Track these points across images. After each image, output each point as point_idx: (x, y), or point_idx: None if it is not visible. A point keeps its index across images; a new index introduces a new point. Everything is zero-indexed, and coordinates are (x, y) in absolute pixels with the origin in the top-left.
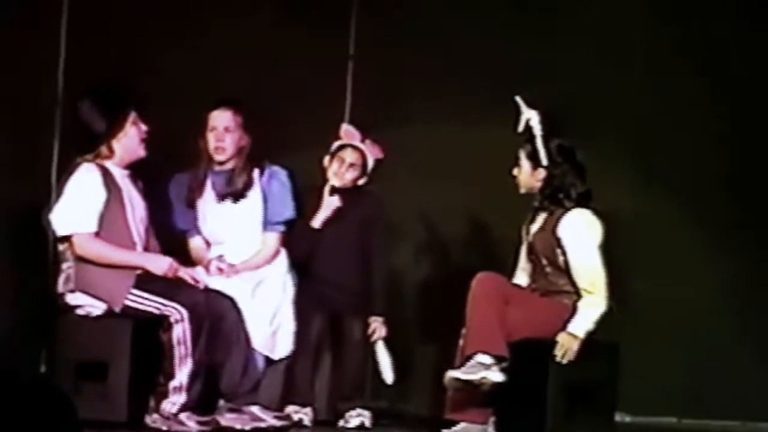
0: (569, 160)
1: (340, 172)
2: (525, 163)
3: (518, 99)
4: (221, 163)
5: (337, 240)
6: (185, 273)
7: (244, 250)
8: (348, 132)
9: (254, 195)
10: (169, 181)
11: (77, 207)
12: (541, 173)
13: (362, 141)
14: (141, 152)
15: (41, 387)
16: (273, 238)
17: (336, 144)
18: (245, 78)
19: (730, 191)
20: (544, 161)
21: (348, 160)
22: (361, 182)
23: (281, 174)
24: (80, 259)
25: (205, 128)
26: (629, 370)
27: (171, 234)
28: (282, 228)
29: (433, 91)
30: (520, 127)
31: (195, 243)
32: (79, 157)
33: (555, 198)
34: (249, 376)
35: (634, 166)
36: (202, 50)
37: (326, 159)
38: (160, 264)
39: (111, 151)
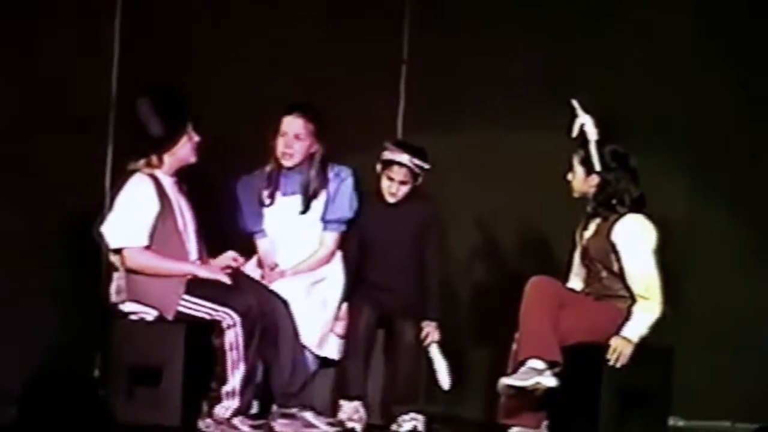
0: (623, 165)
1: (391, 190)
2: (578, 169)
3: (574, 102)
4: (290, 168)
5: (393, 245)
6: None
7: (307, 250)
8: (393, 148)
9: (320, 198)
10: (228, 183)
11: (129, 220)
12: (595, 179)
13: (409, 153)
14: (192, 159)
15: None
16: (331, 238)
17: (383, 156)
18: (298, 82)
19: None
20: (597, 167)
21: (397, 178)
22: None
23: (344, 173)
24: (130, 271)
25: (277, 131)
26: (683, 375)
27: (231, 236)
28: (342, 227)
29: (486, 95)
30: (574, 132)
31: (264, 244)
32: (131, 163)
33: (608, 204)
34: (297, 375)
35: (687, 172)
36: (254, 54)
37: (378, 167)
38: (210, 270)
39: (161, 161)
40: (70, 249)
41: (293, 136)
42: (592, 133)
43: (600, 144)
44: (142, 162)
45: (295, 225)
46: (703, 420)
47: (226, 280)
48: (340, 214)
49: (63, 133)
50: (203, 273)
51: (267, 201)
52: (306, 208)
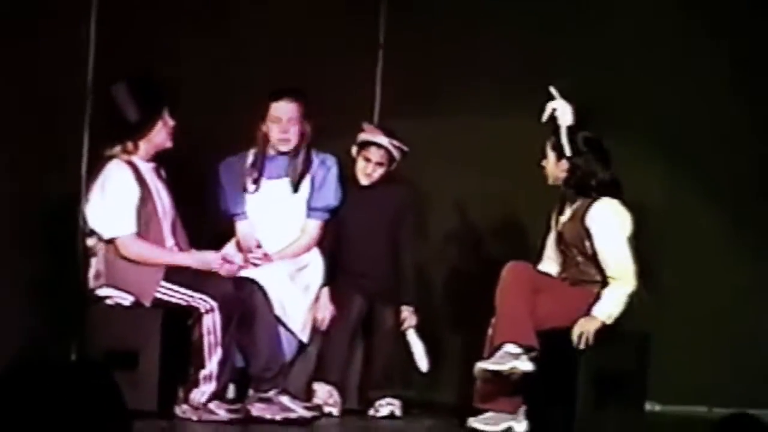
0: (593, 150)
1: (367, 171)
2: (550, 154)
3: (552, 89)
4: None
5: (369, 230)
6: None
7: (290, 235)
8: (371, 129)
9: (305, 181)
10: (207, 166)
11: (116, 208)
12: (565, 164)
13: (387, 135)
14: (167, 144)
15: (86, 372)
16: (314, 225)
17: (360, 138)
18: (275, 67)
19: (762, 182)
20: (568, 152)
21: (374, 159)
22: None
23: (329, 161)
24: (125, 259)
25: (265, 115)
26: (659, 360)
27: (210, 220)
28: (325, 216)
29: (463, 80)
30: (545, 117)
31: (244, 227)
32: (107, 149)
33: (580, 188)
34: (274, 361)
35: (666, 158)
36: (232, 38)
37: (353, 149)
38: (208, 260)
39: (136, 147)
40: (46, 234)
41: (288, 120)
42: (563, 119)
43: (572, 130)
44: (118, 148)
45: (279, 209)
46: (679, 405)
47: (218, 269)
48: (325, 203)
49: (39, 119)
50: (200, 265)
51: (252, 186)
52: (295, 189)
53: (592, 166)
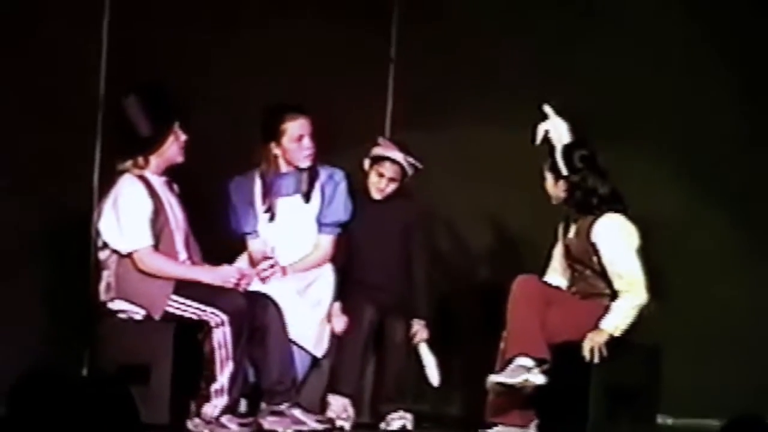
0: (590, 166)
1: (380, 186)
2: (548, 175)
3: (546, 108)
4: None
5: (380, 243)
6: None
7: (302, 251)
8: (386, 143)
9: (314, 196)
10: (218, 184)
11: (131, 223)
12: (563, 184)
13: (401, 150)
14: (178, 159)
15: (101, 385)
16: (327, 240)
17: (374, 152)
18: (286, 81)
19: None
20: (564, 171)
21: (387, 174)
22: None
23: (337, 176)
24: (144, 273)
25: (276, 135)
26: (671, 373)
27: (220, 237)
28: (337, 230)
29: (474, 94)
30: (538, 140)
31: (257, 245)
32: (119, 164)
33: (582, 206)
34: (287, 374)
35: (677, 169)
36: (243, 53)
37: (366, 162)
38: (226, 275)
39: (147, 161)
40: (58, 247)
41: (309, 135)
42: (557, 138)
43: (567, 148)
44: (129, 163)
45: (293, 227)
46: (691, 418)
47: (235, 284)
48: (335, 218)
49: (51, 131)
50: (218, 280)
51: (264, 204)
52: (307, 200)
53: (591, 182)
